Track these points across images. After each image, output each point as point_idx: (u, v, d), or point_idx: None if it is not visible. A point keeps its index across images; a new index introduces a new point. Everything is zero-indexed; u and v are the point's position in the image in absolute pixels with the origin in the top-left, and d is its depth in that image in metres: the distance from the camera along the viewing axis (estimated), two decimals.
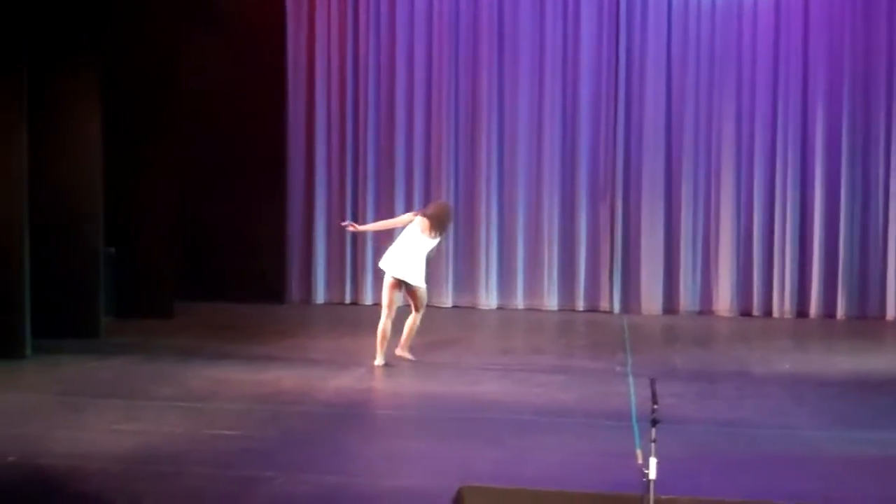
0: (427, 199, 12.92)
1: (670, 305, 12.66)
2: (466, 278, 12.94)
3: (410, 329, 9.27)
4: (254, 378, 8.57)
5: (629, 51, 12.66)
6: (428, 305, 12.72)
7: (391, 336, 9.21)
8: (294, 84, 12.97)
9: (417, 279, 9.13)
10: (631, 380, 8.68)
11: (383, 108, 12.97)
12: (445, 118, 12.89)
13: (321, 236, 13.06)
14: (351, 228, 9.88)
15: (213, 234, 12.74)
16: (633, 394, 8.12)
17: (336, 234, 13.08)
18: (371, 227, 10.62)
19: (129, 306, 11.28)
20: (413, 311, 9.24)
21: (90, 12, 10.12)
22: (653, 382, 5.14)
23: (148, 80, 11.30)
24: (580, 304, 12.80)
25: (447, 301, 12.94)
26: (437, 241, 9.17)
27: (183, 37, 11.84)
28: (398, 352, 9.24)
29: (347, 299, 13.03)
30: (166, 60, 11.45)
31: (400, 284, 9.16)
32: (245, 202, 12.77)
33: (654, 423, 4.88)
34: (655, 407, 4.94)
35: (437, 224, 9.10)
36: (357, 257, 13.03)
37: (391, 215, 13.02)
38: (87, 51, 10.10)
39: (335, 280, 13.07)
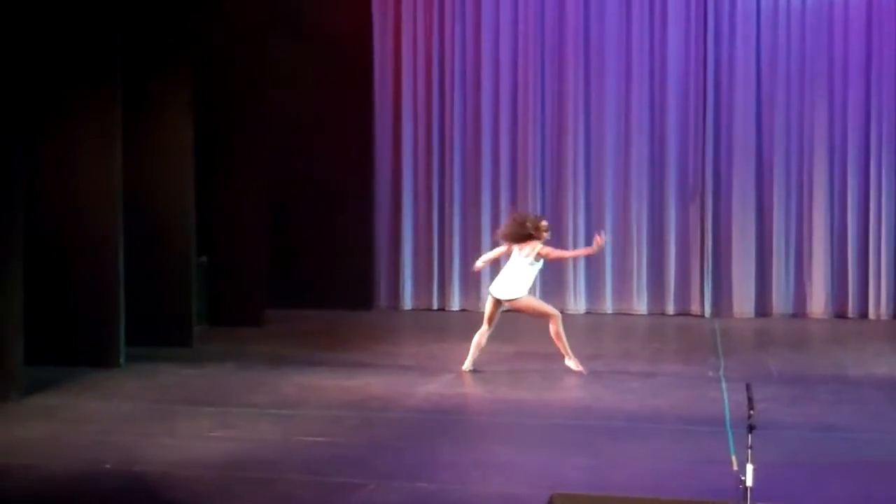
0: (514, 203, 12.90)
1: (763, 308, 12.42)
2: (554, 283, 12.85)
3: (557, 337, 9.17)
4: (343, 385, 8.63)
5: (717, 51, 12.46)
6: (517, 311, 12.78)
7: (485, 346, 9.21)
8: (381, 90, 13.05)
9: (508, 293, 9.15)
10: (724, 384, 8.53)
11: (469, 114, 12.98)
12: (532, 122, 12.84)
13: (408, 243, 13.11)
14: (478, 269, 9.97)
15: (302, 242, 12.87)
16: (727, 399, 7.97)
17: (423, 241, 13.11)
18: (484, 261, 9.95)
19: (220, 315, 11.44)
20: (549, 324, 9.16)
21: (181, 22, 10.29)
22: (748, 388, 5.05)
23: (237, 89, 11.45)
24: (670, 308, 12.62)
25: None
26: (527, 255, 9.09)
27: (271, 45, 11.98)
28: (567, 362, 9.17)
29: (435, 305, 13.05)
30: (255, 69, 11.59)
31: (498, 302, 9.24)
32: (333, 210, 12.87)
33: (751, 428, 4.79)
34: (752, 412, 4.84)
35: (509, 237, 9.20)
36: (444, 264, 13.04)
37: (477, 220, 13.09)
38: (179, 61, 10.26)
39: (422, 286, 13.09)
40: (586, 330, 12.08)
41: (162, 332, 10.10)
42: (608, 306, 12.76)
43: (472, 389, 8.59)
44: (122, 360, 9.28)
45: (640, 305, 12.68)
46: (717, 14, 12.45)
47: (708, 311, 12.47)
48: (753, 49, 12.42)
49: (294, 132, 12.82)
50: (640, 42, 12.62)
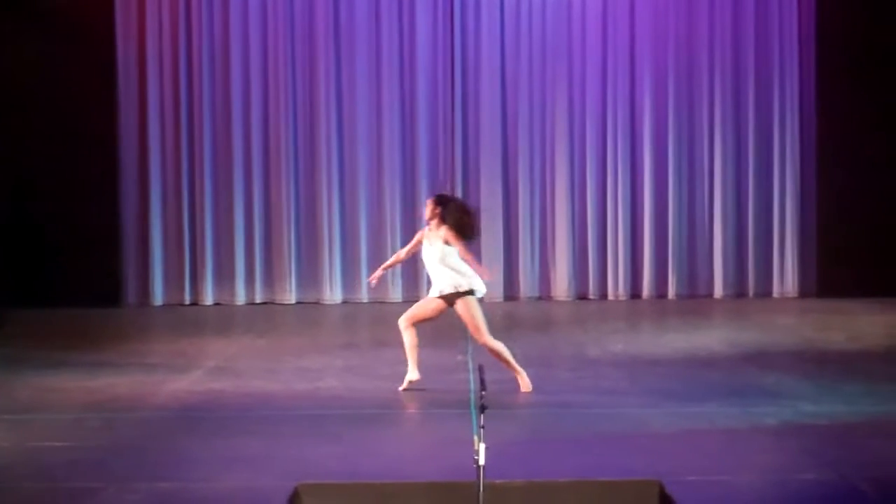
0: (266, 194, 12.79)
1: (511, 292, 12.89)
2: (310, 274, 12.86)
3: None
4: (85, 385, 8.30)
5: (464, 48, 12.84)
6: (272, 303, 12.75)
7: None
8: (125, 77, 12.63)
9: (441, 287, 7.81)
10: (471, 367, 8.77)
11: (219, 102, 12.76)
12: (283, 115, 12.77)
13: (157, 236, 12.76)
14: (375, 281, 8.47)
15: (42, 236, 12.27)
16: (473, 381, 8.21)
17: (173, 234, 12.80)
18: (390, 264, 8.70)
19: None
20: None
21: None
22: (481, 369, 5.23)
23: None
24: (423, 294, 12.82)
25: (291, 297, 12.83)
26: (444, 242, 7.77)
27: (4, 30, 11.36)
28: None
29: (187, 300, 12.77)
30: None
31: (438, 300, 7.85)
32: (75, 201, 12.36)
33: (483, 409, 4.96)
34: (483, 393, 5.02)
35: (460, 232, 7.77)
36: (196, 257, 12.78)
37: (230, 212, 12.89)
38: None
39: (174, 280, 12.77)
40: (342, 319, 12.17)
41: None
42: (363, 295, 12.87)
43: (222, 385, 8.44)
44: None
45: (395, 293, 12.88)
46: (462, 10, 12.80)
47: None
48: (498, 45, 12.85)
49: (33, 121, 12.23)
50: (389, 38, 12.83)
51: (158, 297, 12.73)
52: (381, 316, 12.13)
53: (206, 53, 12.70)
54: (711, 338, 10.31)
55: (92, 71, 12.41)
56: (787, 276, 12.98)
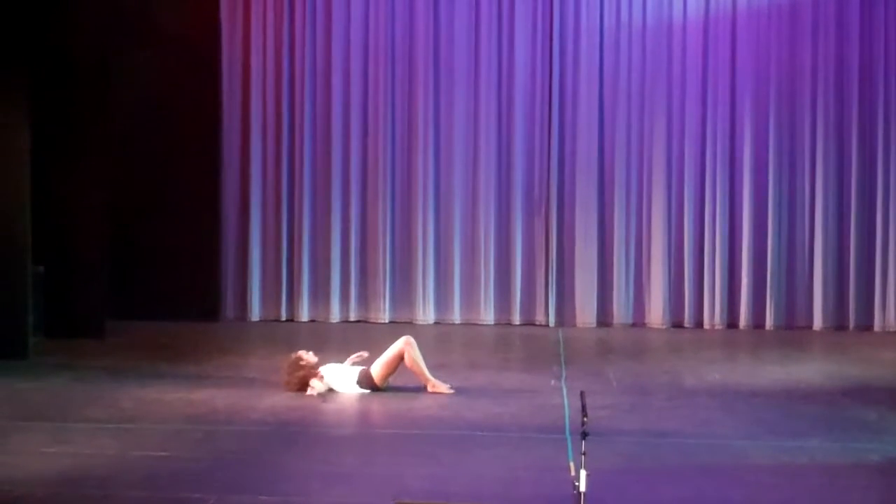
0: (364, 215, 12.96)
1: (604, 318, 12.79)
2: (403, 294, 12.94)
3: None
4: (186, 398, 8.48)
5: (562, 69, 12.81)
6: (365, 321, 12.89)
7: None
8: (229, 97, 12.89)
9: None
10: (565, 392, 8.75)
11: (319, 123, 12.95)
12: (382, 135, 12.90)
13: (256, 252, 12.98)
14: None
15: (146, 251, 12.56)
16: (567, 406, 8.18)
17: (271, 250, 13.01)
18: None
19: (58, 326, 11.06)
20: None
21: (19, 23, 9.94)
22: (582, 395, 5.21)
23: (78, 93, 11.11)
24: (516, 318, 12.87)
25: (384, 317, 12.93)
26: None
27: (114, 50, 11.69)
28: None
29: (283, 316, 12.95)
30: (97, 74, 11.27)
31: None
32: (178, 218, 12.61)
33: (584, 435, 4.95)
34: (585, 420, 5.00)
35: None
36: (293, 273, 12.96)
37: (327, 230, 13.09)
38: (15, 63, 9.92)
39: (271, 297, 12.96)
40: (434, 340, 12.19)
41: None
42: (456, 316, 12.92)
43: (317, 401, 8.55)
44: None
45: (487, 315, 12.89)
46: (561, 34, 12.79)
47: (552, 320, 12.77)
48: (597, 68, 12.80)
49: (137, 136, 12.50)
50: (489, 59, 12.86)
51: (256, 312, 12.93)
52: (473, 338, 12.16)
53: (307, 73, 12.89)
54: (811, 370, 10.11)
55: (197, 89, 12.65)
56: (889, 309, 12.64)
